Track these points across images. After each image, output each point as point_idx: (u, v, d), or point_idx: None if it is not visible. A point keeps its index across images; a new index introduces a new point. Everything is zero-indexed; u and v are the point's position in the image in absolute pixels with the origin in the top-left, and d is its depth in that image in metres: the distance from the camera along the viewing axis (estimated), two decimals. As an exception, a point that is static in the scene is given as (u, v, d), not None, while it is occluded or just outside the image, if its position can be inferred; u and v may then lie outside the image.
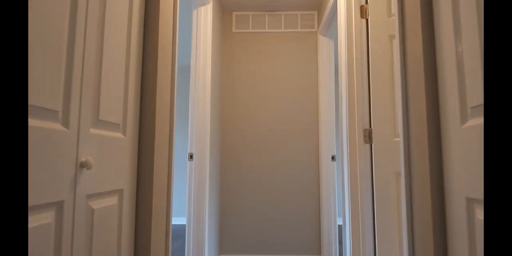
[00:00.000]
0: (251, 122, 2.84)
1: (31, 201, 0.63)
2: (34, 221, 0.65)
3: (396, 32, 1.05)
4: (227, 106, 2.86)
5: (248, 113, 2.85)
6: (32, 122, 0.65)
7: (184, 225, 4.43)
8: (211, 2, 2.24)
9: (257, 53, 2.89)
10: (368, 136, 1.73)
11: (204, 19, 2.18)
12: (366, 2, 1.82)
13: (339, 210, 4.59)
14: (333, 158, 2.78)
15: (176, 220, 4.46)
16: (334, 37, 3.29)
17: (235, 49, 2.89)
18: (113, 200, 0.97)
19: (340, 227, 4.32)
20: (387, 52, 1.72)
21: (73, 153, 0.77)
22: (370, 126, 1.75)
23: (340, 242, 3.38)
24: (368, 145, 1.74)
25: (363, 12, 1.83)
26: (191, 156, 1.91)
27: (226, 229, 2.73)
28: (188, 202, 1.92)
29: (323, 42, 2.80)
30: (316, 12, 2.88)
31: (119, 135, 0.98)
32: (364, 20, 1.81)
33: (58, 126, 0.73)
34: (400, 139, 1.01)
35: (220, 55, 2.82)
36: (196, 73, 2.09)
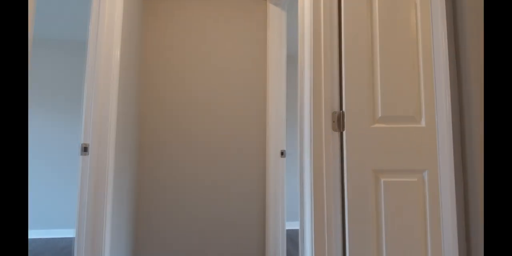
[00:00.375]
0: (182, 107, 2.26)
1: None
2: None
3: None
4: (149, 88, 2.23)
5: (178, 98, 2.27)
6: None
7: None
8: None
9: (190, 22, 2.31)
10: (338, 122, 1.29)
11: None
12: None
13: (288, 214, 4.19)
14: (282, 153, 2.34)
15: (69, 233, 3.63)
16: (288, 8, 2.87)
17: (160, 16, 2.28)
18: None
19: (289, 233, 3.94)
20: (365, 13, 1.30)
21: None
22: (341, 109, 1.32)
23: (289, 251, 2.97)
24: (337, 134, 1.31)
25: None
26: (85, 149, 1.28)
27: (145, 241, 2.12)
28: (79, 210, 1.29)
29: (274, 13, 2.33)
30: (266, -22, 2.40)
31: None
32: (336, -32, 1.37)
33: None
34: (443, 118, 0.57)
35: (139, 21, 2.18)
36: (98, 45, 1.46)
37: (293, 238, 3.35)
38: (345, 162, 1.22)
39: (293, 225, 3.90)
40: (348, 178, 1.21)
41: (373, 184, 1.21)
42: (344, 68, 1.27)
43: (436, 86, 0.62)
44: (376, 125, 1.24)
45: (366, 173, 1.21)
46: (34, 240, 3.30)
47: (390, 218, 1.18)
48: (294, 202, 3.97)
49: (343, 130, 1.27)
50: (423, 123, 1.22)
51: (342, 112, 1.27)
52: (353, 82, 1.26)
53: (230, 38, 2.35)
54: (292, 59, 4.10)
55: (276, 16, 2.32)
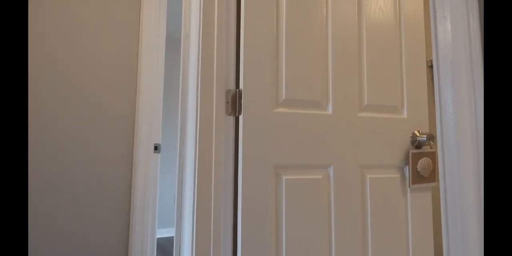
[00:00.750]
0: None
1: None
2: None
3: None
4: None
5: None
6: None
7: None
8: None
9: (38, -38, 1.67)
10: (233, 103, 1.00)
11: None
12: None
13: (161, 220, 3.65)
14: (156, 148, 1.93)
15: None
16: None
17: None
18: None
19: (160, 241, 3.45)
20: (272, -33, 1.05)
21: None
22: (238, 87, 1.03)
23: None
24: (232, 118, 1.01)
25: None
26: None
27: None
28: None
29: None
30: None
31: None
32: None
33: None
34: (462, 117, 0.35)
35: None
36: None
37: (164, 248, 2.92)
38: (241, 155, 0.94)
39: (165, 233, 3.46)
40: (244, 175, 0.93)
41: (274, 182, 0.96)
42: (243, 36, 0.99)
43: (441, 77, 0.43)
44: (279, 109, 1.00)
45: (266, 169, 0.95)
46: None
47: (292, 221, 0.96)
48: (165, 206, 3.53)
49: (239, 114, 0.98)
50: (329, 110, 1.05)
51: (239, 90, 0.98)
52: (254, 54, 0.98)
53: (92, 13, 1.80)
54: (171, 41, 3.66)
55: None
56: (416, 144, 1.12)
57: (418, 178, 1.09)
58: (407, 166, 1.11)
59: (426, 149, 1.13)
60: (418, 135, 1.12)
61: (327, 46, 1.08)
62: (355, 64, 1.10)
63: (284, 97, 1.00)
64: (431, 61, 1.54)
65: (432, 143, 1.08)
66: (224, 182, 0.97)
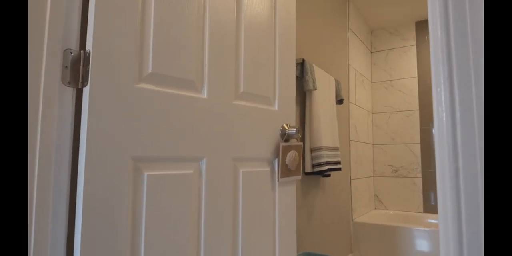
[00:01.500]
0: None
1: None
2: None
3: None
4: None
5: None
6: None
7: None
8: None
9: None
10: (75, 69, 0.70)
11: None
12: None
13: None
14: None
15: None
16: None
17: None
18: None
19: None
20: None
21: None
22: (84, 47, 0.73)
23: None
24: (72, 90, 0.70)
25: None
26: None
27: None
28: None
29: None
30: None
31: None
32: None
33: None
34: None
35: None
36: None
37: None
38: (85, 144, 0.66)
39: None
40: (88, 173, 0.65)
41: (132, 180, 0.72)
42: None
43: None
44: (143, 85, 0.76)
45: (121, 163, 0.70)
46: None
47: (155, 228, 0.74)
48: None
49: (84, 85, 0.69)
50: (204, 94, 0.89)
51: (86, 52, 0.69)
52: (111, 3, 0.72)
53: None
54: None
55: None
56: (285, 137, 1.09)
57: (287, 171, 1.07)
58: (276, 159, 1.07)
59: (293, 142, 1.12)
60: (287, 128, 1.10)
61: (203, 24, 0.91)
62: (232, 49, 0.98)
63: (150, 70, 0.78)
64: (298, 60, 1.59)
65: (300, 136, 1.08)
66: (55, 184, 0.66)
